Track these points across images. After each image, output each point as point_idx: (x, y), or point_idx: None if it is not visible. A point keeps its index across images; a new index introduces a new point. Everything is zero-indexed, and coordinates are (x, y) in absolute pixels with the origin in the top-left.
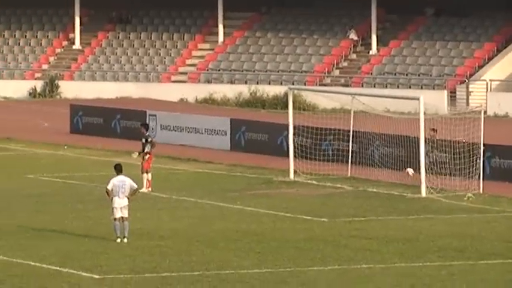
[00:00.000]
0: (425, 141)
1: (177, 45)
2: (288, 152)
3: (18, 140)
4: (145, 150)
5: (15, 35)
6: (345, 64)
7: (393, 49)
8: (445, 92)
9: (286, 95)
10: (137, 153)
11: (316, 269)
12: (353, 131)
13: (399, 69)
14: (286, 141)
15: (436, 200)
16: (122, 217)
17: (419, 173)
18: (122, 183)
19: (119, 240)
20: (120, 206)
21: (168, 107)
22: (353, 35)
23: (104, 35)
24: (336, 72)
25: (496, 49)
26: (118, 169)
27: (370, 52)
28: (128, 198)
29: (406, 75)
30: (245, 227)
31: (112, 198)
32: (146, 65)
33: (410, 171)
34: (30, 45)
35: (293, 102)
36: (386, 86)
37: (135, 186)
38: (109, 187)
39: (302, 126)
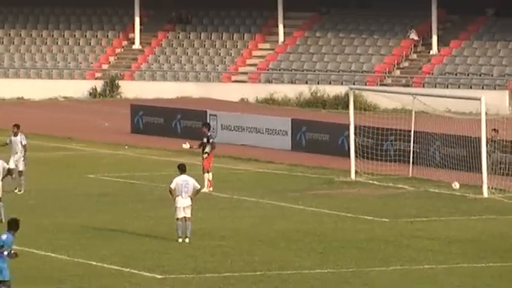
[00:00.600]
0: (486, 141)
1: (237, 45)
2: (349, 152)
3: (79, 140)
4: (206, 150)
5: (75, 35)
6: (406, 64)
7: (454, 49)
8: (507, 92)
9: (347, 95)
10: (188, 145)
11: (378, 270)
12: (414, 131)
13: (460, 69)
14: (347, 141)
15: (498, 200)
16: (185, 217)
17: (482, 172)
18: (185, 182)
19: (180, 240)
20: (183, 206)
21: (228, 107)
22: (413, 35)
23: (163, 35)
24: (397, 72)
25: None
26: (181, 169)
27: (431, 52)
28: (191, 199)
29: (467, 75)
30: (306, 227)
31: (175, 198)
32: (206, 65)
33: (456, 185)
34: (90, 45)
35: (354, 102)
36: (447, 86)
37: (198, 186)
38: (172, 186)
39: (363, 126)
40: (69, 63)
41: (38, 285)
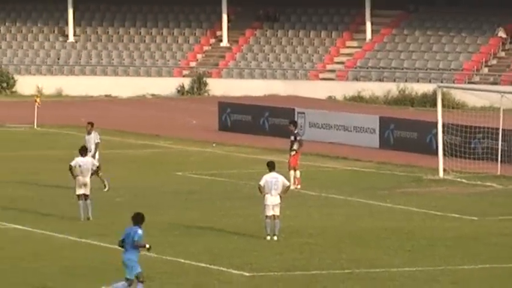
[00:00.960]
0: None
1: (324, 43)
2: (437, 150)
3: (167, 137)
4: (293, 148)
5: (162, 33)
6: (494, 62)
7: None
8: None
9: (434, 93)
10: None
11: (467, 268)
12: (502, 129)
13: None
14: (435, 139)
15: None
16: (274, 215)
17: None
18: (274, 180)
19: (268, 237)
20: (273, 204)
21: (316, 104)
22: (502, 33)
23: (251, 32)
24: (485, 70)
25: None
26: (271, 166)
27: None
28: (280, 196)
29: None
30: (394, 225)
31: (264, 195)
32: (294, 63)
33: None
34: (177, 42)
35: (442, 100)
36: None
37: (288, 183)
38: (261, 183)
39: (451, 124)
40: (157, 60)
41: None
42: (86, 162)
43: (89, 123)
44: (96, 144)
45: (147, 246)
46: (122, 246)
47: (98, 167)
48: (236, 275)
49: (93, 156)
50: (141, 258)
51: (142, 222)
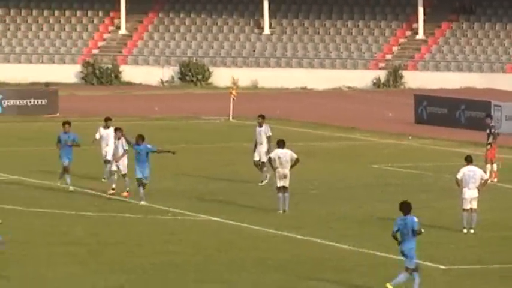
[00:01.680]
0: None
1: None
2: None
3: (363, 130)
4: (489, 141)
5: (358, 25)
6: None
7: None
8: None
9: None
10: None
11: None
12: None
13: None
14: None
15: None
16: (471, 208)
17: None
18: (472, 173)
19: (465, 231)
20: (471, 197)
21: None
22: None
23: (447, 25)
24: None
25: None
26: (468, 160)
27: None
28: (478, 190)
29: None
30: None
31: (462, 188)
32: (490, 55)
33: None
34: (373, 35)
35: None
36: None
37: (486, 176)
38: (459, 176)
39: None
40: (352, 53)
41: (322, 273)
42: (285, 154)
43: (259, 116)
44: (268, 138)
45: (423, 231)
46: (396, 238)
47: (263, 162)
48: (432, 268)
49: (267, 152)
50: (337, 250)
51: (411, 210)
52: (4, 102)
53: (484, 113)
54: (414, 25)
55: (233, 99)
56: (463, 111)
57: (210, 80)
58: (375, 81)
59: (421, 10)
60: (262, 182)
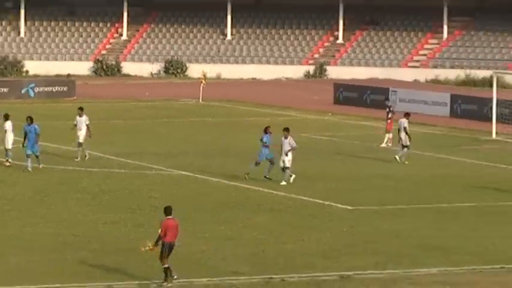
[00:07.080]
0: None
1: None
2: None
3: (296, 108)
4: (388, 117)
5: (295, 32)
6: None
7: None
8: None
9: (491, 77)
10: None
11: None
12: None
13: None
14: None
15: None
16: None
17: None
18: None
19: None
20: None
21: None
22: None
23: (360, 33)
24: None
25: None
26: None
27: None
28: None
29: None
30: None
31: None
32: (390, 55)
33: None
34: (306, 39)
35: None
36: None
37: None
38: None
39: (503, 100)
40: (290, 53)
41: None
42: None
43: (284, 129)
44: (293, 148)
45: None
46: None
47: (287, 167)
48: (341, 209)
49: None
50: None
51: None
52: (36, 89)
53: (384, 96)
54: (336, 33)
55: (203, 86)
56: (369, 95)
57: (186, 73)
58: (306, 73)
59: (341, 22)
60: (291, 177)
